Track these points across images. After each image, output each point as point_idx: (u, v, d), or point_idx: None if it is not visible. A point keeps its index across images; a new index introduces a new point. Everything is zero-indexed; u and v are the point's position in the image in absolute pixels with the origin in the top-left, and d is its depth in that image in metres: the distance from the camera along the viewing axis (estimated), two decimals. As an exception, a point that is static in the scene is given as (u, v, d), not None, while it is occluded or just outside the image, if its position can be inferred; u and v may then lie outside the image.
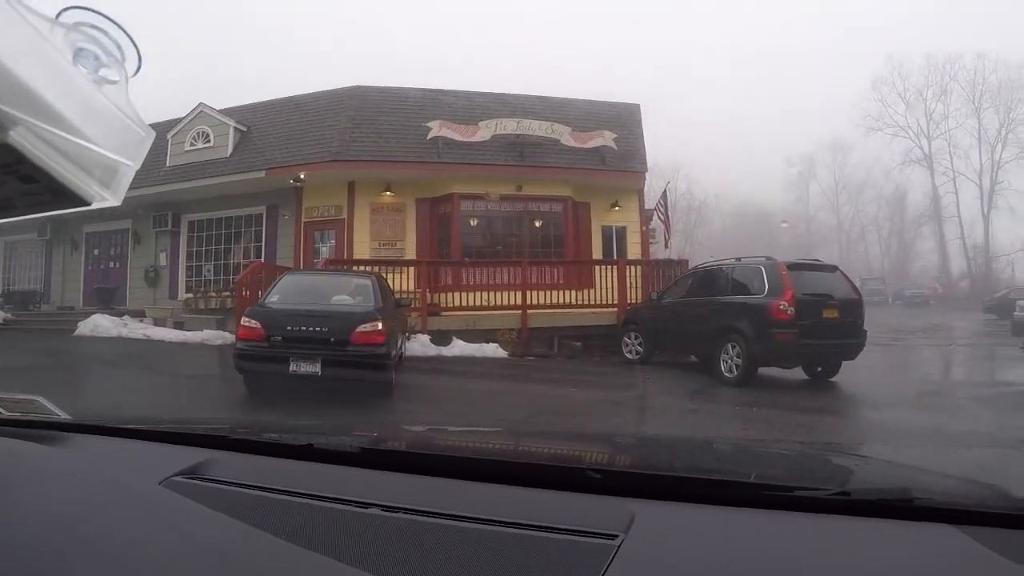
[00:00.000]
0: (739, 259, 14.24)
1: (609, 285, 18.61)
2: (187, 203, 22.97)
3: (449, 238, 20.63)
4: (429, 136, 20.08)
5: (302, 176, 20.55)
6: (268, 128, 22.50)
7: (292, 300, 11.57)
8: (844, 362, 13.36)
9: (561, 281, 19.56)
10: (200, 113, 22.98)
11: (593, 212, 22.28)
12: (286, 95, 23.45)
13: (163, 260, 24.35)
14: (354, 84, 22.23)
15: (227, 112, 23.17)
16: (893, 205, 78.32)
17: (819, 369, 13.54)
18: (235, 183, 21.51)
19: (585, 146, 20.80)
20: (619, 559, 1.21)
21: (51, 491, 1.36)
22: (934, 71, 70.90)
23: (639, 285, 18.72)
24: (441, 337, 16.81)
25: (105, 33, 0.96)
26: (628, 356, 16.12)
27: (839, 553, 1.27)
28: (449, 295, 18.83)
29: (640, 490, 1.50)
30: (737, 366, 12.68)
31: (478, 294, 18.16)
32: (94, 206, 0.98)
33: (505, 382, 13.63)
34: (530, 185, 20.78)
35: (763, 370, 13.01)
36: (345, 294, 11.80)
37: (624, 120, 22.40)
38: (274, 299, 11.77)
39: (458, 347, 16.59)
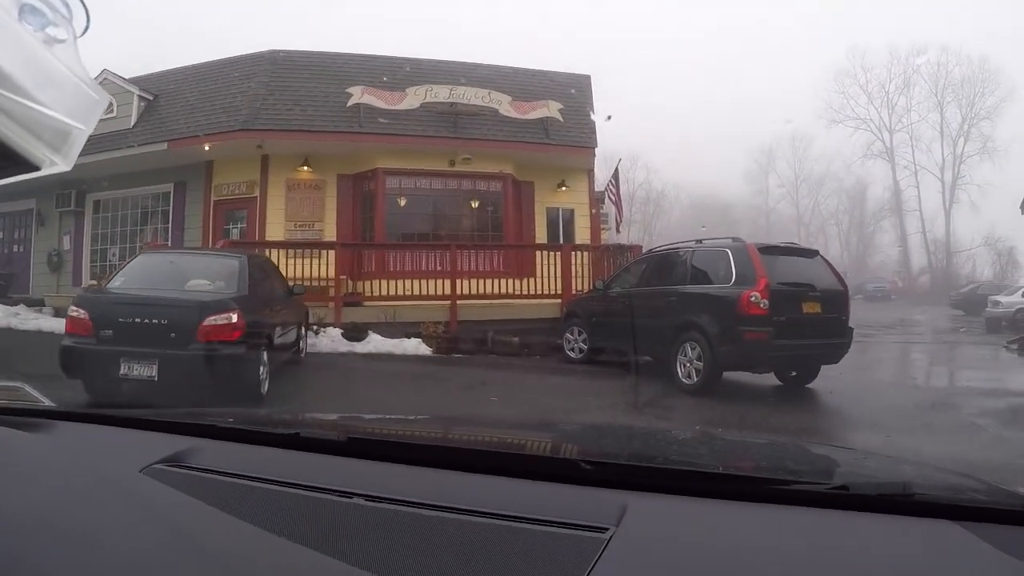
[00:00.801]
0: (700, 241, 11.76)
1: (553, 273, 16.05)
2: (91, 181, 19.83)
3: (373, 219, 17.95)
4: (350, 103, 17.41)
5: (206, 148, 17.79)
6: (176, 97, 19.79)
7: (137, 285, 9.17)
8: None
9: (500, 268, 17.03)
10: (104, 80, 19.81)
11: (537, 192, 19.62)
12: (201, 61, 20.71)
13: (67, 243, 21.60)
14: (271, 48, 19.49)
15: (136, 81, 20.38)
16: (854, 198, 76.72)
17: (794, 374, 11.12)
18: (139, 158, 18.55)
19: (527, 117, 18.18)
20: (609, 552, 1.16)
21: (33, 477, 1.44)
22: (897, 64, 69.50)
23: (587, 273, 16.21)
24: (358, 331, 14.28)
25: None
26: (570, 355, 13.61)
27: (837, 548, 1.22)
28: (369, 283, 16.26)
29: (633, 482, 1.42)
30: (697, 371, 10.23)
31: (401, 282, 15.52)
32: (43, 172, 0.95)
33: (415, 386, 11.00)
34: (465, 160, 18.15)
35: (728, 373, 10.63)
36: (205, 278, 9.31)
37: (572, 92, 19.76)
38: (117, 283, 9.46)
39: (374, 343, 14.10)
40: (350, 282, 16.94)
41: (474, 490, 1.41)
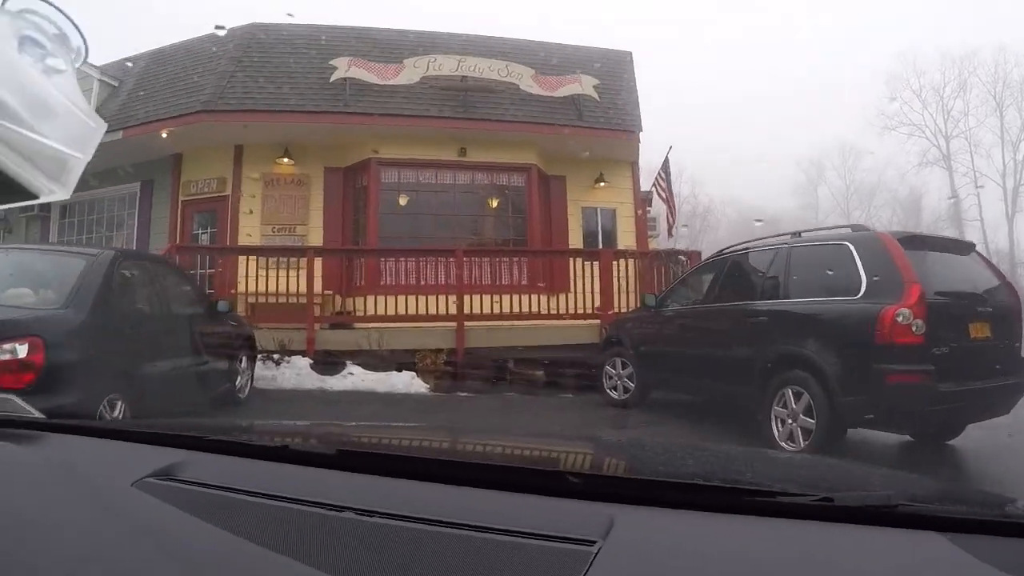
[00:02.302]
0: (798, 233, 8.03)
1: (590, 287, 12.40)
2: (56, 182, 16.90)
3: (366, 221, 14.41)
4: (334, 77, 13.89)
5: (164, 135, 14.41)
6: (144, 81, 16.43)
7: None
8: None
9: (522, 281, 13.49)
10: (64, 65, 17.01)
11: (570, 189, 15.84)
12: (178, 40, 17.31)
13: (33, 254, 18.23)
14: (253, 22, 16.00)
15: (107, 68, 17.20)
16: (908, 209, 71.76)
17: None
18: (100, 152, 14.14)
19: (555, 94, 14.48)
20: (596, 565, 1.12)
21: (22, 491, 1.41)
22: (951, 66, 64.82)
23: (635, 287, 12.59)
24: (332, 362, 10.94)
25: (49, 21, 0.95)
26: (612, 395, 9.93)
27: (819, 561, 1.19)
28: (362, 300, 12.88)
29: (620, 495, 1.36)
30: (806, 431, 6.50)
31: (396, 299, 11.90)
32: (42, 200, 0.96)
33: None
34: (479, 148, 14.46)
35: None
36: (30, 286, 5.99)
37: (609, 69, 16.02)
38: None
39: (353, 378, 10.68)
40: (339, 299, 13.54)
41: (462, 503, 1.35)
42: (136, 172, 16.20)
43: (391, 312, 11.85)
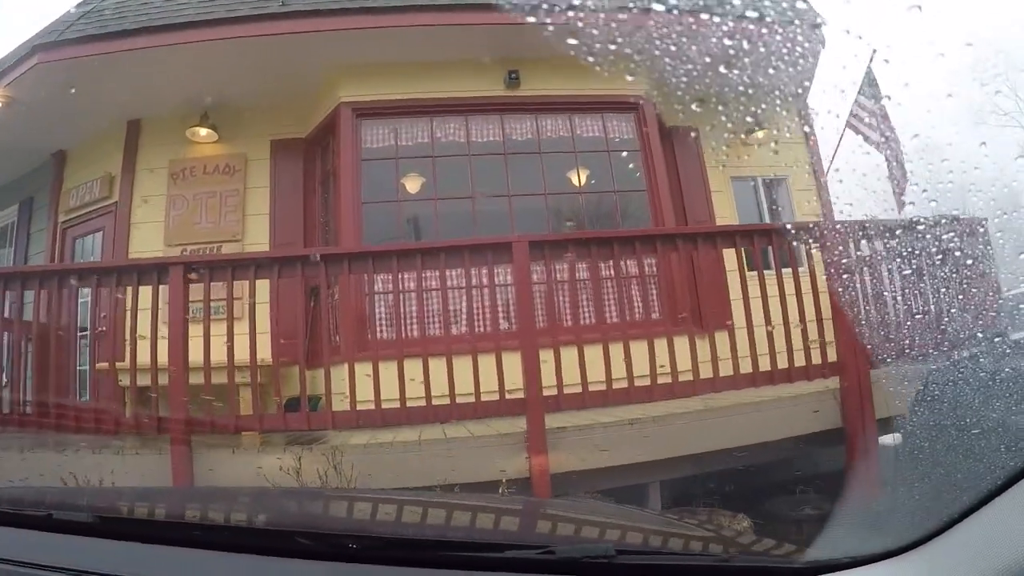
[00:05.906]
0: None
1: (788, 312, 5.14)
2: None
3: (336, 218, 7.53)
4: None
5: (-3, 102, 7.94)
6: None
7: None
8: None
9: (651, 314, 6.75)
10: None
11: (708, 147, 8.61)
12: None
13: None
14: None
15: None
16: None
17: None
18: None
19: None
20: None
21: None
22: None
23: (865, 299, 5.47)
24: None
25: None
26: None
27: None
28: (329, 373, 5.91)
29: (346, 554, 1.32)
30: None
31: (388, 369, 5.00)
32: None
33: None
34: (542, 72, 7.48)
35: None
36: None
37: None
38: None
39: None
40: (299, 374, 6.59)
41: (203, 567, 1.32)
42: (15, 191, 10.11)
43: (383, 399, 5.02)
